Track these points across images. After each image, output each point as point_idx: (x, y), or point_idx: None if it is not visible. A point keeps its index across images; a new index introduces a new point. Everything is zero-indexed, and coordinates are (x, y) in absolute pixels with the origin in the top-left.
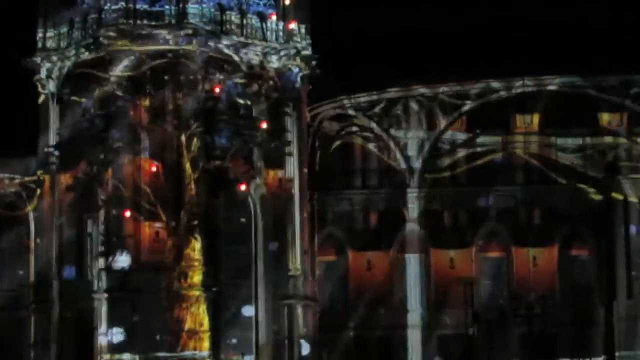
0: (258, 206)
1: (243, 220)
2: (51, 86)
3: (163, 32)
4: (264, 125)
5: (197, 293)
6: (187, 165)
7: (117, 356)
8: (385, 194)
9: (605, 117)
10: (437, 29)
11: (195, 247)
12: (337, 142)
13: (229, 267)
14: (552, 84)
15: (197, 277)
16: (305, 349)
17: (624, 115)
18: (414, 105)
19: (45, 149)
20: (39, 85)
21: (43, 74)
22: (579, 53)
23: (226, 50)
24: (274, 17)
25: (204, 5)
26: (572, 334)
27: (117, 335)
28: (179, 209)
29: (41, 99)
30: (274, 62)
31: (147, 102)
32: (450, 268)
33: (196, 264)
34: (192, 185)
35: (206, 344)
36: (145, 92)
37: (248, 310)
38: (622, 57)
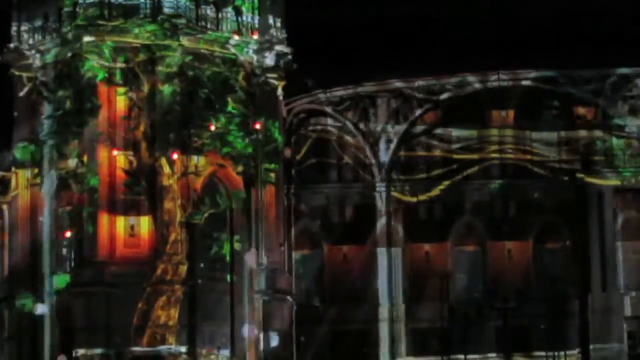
0: (233, 200)
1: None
2: (26, 80)
3: (138, 26)
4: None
5: (174, 287)
6: (164, 161)
7: (91, 351)
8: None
9: (580, 111)
10: (412, 23)
11: (177, 241)
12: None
13: (204, 261)
14: (527, 78)
15: (178, 271)
16: (274, 341)
17: (599, 108)
18: None
19: (21, 143)
20: (14, 79)
21: (18, 67)
22: (553, 47)
23: (201, 44)
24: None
25: None
26: (547, 327)
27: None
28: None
29: (16, 92)
30: (249, 56)
31: (123, 96)
32: (426, 262)
33: (179, 258)
34: (171, 182)
35: (181, 338)
36: (121, 86)
37: None
38: (597, 50)
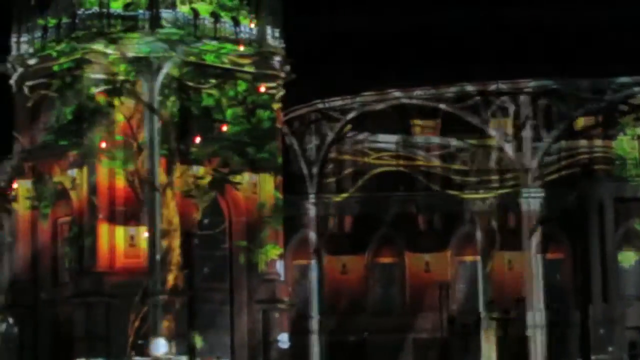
0: (233, 209)
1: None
2: (25, 90)
3: (137, 37)
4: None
5: (169, 297)
6: (161, 171)
7: None
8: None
9: (580, 121)
10: (411, 32)
11: (175, 252)
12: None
13: (203, 271)
14: (527, 87)
15: (175, 281)
16: (284, 344)
17: (599, 118)
18: None
19: (20, 153)
20: (13, 90)
21: (16, 78)
22: (554, 56)
23: (200, 55)
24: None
25: (177, 10)
26: (548, 337)
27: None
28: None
29: (16, 103)
30: (248, 66)
31: (122, 107)
32: (426, 272)
33: (172, 267)
34: (167, 191)
35: (182, 347)
36: (120, 96)
37: None
38: (596, 60)
